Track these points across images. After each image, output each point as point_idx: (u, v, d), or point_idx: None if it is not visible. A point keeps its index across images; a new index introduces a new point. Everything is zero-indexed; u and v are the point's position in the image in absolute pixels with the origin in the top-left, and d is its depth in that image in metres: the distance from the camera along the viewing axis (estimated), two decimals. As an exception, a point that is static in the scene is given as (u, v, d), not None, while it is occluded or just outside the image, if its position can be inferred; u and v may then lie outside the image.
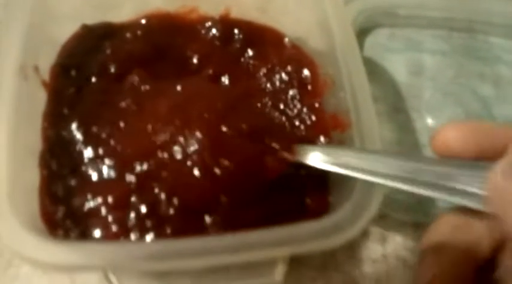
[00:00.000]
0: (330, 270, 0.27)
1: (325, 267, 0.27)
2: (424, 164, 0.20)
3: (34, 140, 0.25)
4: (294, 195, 0.24)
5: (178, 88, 0.25)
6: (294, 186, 0.24)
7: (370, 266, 0.27)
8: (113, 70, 0.27)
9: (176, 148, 0.23)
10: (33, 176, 0.24)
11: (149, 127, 0.24)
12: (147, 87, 0.26)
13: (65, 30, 0.28)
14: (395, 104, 0.32)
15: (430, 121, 0.32)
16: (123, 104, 0.25)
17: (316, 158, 0.23)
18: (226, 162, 0.22)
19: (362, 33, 0.35)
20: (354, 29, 0.33)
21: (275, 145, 0.24)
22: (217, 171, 0.22)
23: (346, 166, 0.22)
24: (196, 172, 0.22)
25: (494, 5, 0.36)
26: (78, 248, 0.20)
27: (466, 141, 0.19)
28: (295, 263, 0.27)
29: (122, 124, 0.25)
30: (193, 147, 0.23)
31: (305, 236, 0.20)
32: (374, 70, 0.33)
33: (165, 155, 0.23)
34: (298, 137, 0.26)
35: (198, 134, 0.23)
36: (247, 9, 0.30)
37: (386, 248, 0.28)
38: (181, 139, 0.23)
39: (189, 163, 0.22)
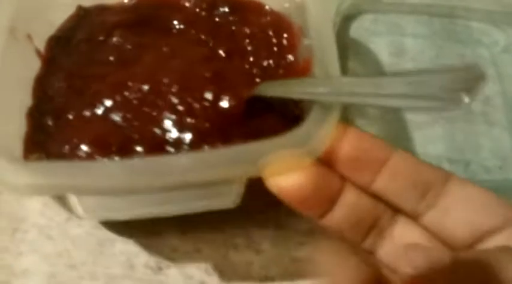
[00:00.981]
0: (317, 234, 0.29)
1: (313, 232, 0.29)
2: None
3: (24, 97, 0.26)
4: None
5: (161, 44, 0.28)
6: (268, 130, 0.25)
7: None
8: (98, 34, 0.29)
9: (153, 92, 0.25)
10: (20, 127, 0.25)
11: (130, 77, 0.26)
12: (130, 44, 0.28)
13: (61, 14, 0.30)
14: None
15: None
16: (106, 59, 0.28)
17: (273, 89, 0.24)
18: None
19: (347, 19, 0.37)
20: (339, 15, 0.35)
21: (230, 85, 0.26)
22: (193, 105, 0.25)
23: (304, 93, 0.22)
24: (171, 112, 0.25)
25: (475, -9, 0.38)
26: (39, 167, 0.21)
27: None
28: (283, 229, 0.29)
29: (104, 77, 0.27)
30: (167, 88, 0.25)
31: (256, 156, 0.20)
32: (358, 51, 0.35)
33: (142, 96, 0.25)
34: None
35: (175, 77, 0.25)
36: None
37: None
38: (160, 84, 0.25)
39: (161, 102, 0.25)
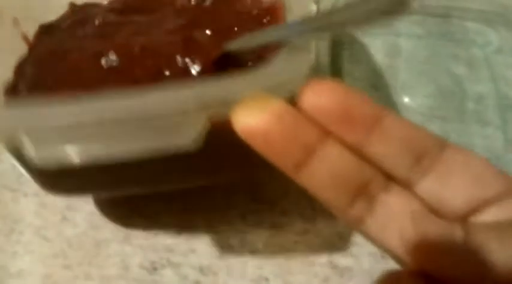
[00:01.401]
0: (310, 234, 0.29)
1: (306, 232, 0.29)
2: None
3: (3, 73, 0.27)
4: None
5: (141, 20, 0.29)
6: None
7: (348, 230, 0.29)
8: (83, 20, 0.30)
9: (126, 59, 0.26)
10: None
11: (106, 47, 0.26)
12: (111, 22, 0.29)
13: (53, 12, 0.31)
14: (373, 83, 0.34)
15: (405, 98, 0.34)
16: (86, 35, 0.29)
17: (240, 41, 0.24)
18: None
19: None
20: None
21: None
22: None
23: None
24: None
25: (469, -9, 0.38)
26: None
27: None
28: (278, 229, 0.29)
29: (81, 49, 0.27)
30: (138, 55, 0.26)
31: (219, 92, 0.18)
32: (353, 52, 0.35)
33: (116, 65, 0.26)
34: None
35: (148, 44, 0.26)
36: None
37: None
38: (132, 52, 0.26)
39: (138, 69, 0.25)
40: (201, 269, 0.28)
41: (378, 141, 0.16)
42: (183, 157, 0.20)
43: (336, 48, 0.36)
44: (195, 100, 0.18)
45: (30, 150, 0.20)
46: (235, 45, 0.24)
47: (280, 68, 0.19)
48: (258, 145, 0.16)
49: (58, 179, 0.24)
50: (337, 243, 0.29)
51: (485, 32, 0.39)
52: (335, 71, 0.34)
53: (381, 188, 0.17)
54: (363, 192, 0.17)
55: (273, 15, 0.29)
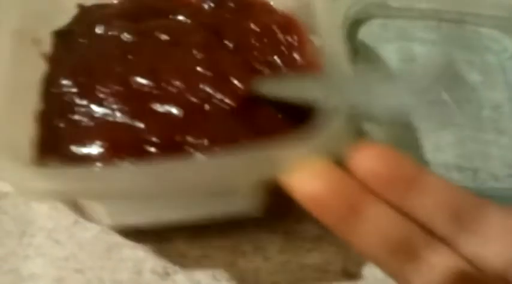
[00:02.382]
0: (324, 242, 0.29)
1: (321, 239, 0.29)
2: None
3: (32, 101, 0.26)
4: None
5: (164, 37, 0.28)
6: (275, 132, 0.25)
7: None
8: (97, 27, 0.29)
9: (158, 89, 0.26)
10: (29, 131, 0.25)
11: (133, 71, 0.26)
12: (129, 34, 0.28)
13: (66, 17, 0.30)
14: (386, 89, 0.34)
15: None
16: (107, 52, 0.28)
17: (271, 87, 0.24)
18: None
19: (356, 24, 0.37)
20: (347, 19, 0.35)
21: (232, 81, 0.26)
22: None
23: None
24: (175, 108, 0.25)
25: (484, -3, 0.38)
26: (55, 173, 0.21)
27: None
28: (291, 235, 0.29)
29: (106, 71, 0.27)
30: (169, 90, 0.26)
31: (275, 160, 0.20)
32: (368, 57, 0.35)
33: (149, 95, 0.26)
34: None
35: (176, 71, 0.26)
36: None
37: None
38: (161, 79, 0.26)
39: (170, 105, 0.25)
40: (214, 276, 0.27)
41: (419, 200, 0.17)
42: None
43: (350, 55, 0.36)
44: (251, 167, 0.20)
45: (93, 214, 0.22)
46: (265, 88, 0.24)
47: (327, 131, 0.20)
48: (312, 208, 0.18)
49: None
50: (351, 251, 0.28)
51: (500, 38, 0.38)
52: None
53: (426, 247, 0.17)
54: (409, 252, 0.17)
55: (296, 31, 0.29)
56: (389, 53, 0.36)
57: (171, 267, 0.28)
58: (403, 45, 0.37)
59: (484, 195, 0.19)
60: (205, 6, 0.31)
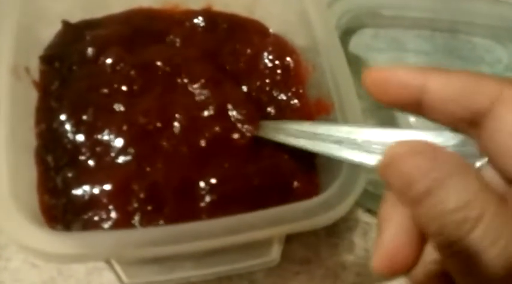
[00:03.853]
0: (313, 264, 0.28)
1: (309, 262, 0.28)
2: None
3: (29, 137, 0.25)
4: (283, 180, 0.25)
5: (166, 68, 0.27)
6: (282, 171, 0.25)
7: (353, 260, 0.28)
8: (90, 53, 0.27)
9: (163, 131, 0.25)
10: (31, 172, 0.24)
11: (138, 111, 0.25)
12: (127, 65, 0.27)
13: (54, 32, 0.29)
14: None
15: (411, 117, 0.32)
16: (106, 86, 0.26)
17: (276, 132, 0.24)
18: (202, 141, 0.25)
19: (347, 33, 0.36)
20: (338, 28, 0.34)
21: (239, 119, 0.25)
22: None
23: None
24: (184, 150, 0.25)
25: (477, 6, 0.37)
26: (82, 237, 0.21)
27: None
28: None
29: (108, 108, 0.25)
30: (177, 130, 0.25)
31: (299, 215, 0.21)
32: (358, 69, 0.34)
33: (153, 138, 0.25)
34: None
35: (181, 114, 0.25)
36: (232, 8, 0.31)
37: (368, 243, 0.29)
38: (170, 120, 0.25)
39: (178, 145, 0.25)
40: (198, 301, 0.26)
41: None
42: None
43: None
44: (276, 228, 0.21)
45: (120, 274, 0.22)
46: (270, 132, 0.25)
47: (333, 199, 0.22)
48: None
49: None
50: (341, 274, 0.27)
51: (493, 48, 0.38)
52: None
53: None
54: None
55: (294, 59, 0.28)
56: (381, 63, 0.35)
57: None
58: (395, 56, 0.36)
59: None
60: (198, 26, 0.30)
